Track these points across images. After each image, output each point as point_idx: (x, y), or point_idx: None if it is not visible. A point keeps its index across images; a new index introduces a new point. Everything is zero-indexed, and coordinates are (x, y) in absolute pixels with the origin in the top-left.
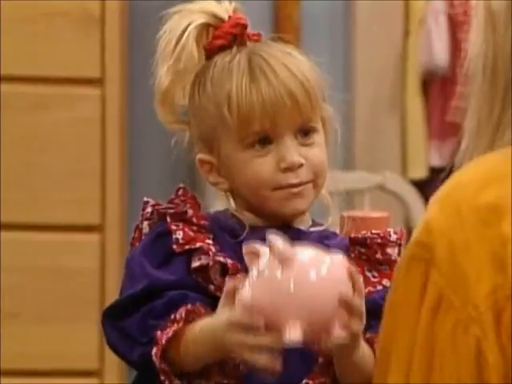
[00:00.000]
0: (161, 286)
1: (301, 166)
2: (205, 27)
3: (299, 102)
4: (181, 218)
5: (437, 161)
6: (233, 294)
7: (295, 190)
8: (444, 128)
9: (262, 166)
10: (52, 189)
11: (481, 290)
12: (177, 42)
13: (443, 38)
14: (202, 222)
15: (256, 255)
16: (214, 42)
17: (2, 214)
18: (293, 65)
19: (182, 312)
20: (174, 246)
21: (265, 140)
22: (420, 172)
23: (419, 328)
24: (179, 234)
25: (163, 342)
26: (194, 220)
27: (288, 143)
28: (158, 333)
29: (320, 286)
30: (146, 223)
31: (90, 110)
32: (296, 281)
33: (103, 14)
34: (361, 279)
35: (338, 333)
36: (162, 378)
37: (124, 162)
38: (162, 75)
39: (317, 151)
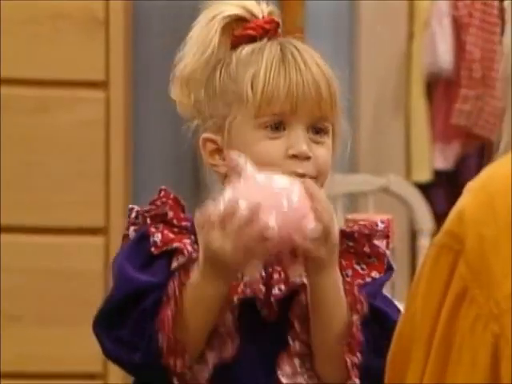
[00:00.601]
0: (143, 288)
1: (308, 158)
2: (236, 19)
3: (322, 96)
4: (161, 219)
5: (441, 164)
6: (203, 221)
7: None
8: (448, 131)
9: (271, 147)
10: (56, 191)
11: (504, 289)
12: (204, 28)
13: (447, 40)
14: (184, 224)
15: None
16: (245, 31)
17: (5, 216)
18: (321, 63)
19: (171, 289)
20: (153, 249)
21: (279, 125)
22: (424, 175)
23: (441, 317)
24: (157, 237)
25: (168, 321)
26: (175, 222)
27: (300, 133)
28: (159, 319)
29: (282, 182)
30: (132, 229)
31: (94, 112)
32: (261, 182)
33: (107, 16)
34: (320, 191)
35: (311, 223)
36: (172, 362)
37: (128, 165)
38: (183, 56)
39: (324, 151)
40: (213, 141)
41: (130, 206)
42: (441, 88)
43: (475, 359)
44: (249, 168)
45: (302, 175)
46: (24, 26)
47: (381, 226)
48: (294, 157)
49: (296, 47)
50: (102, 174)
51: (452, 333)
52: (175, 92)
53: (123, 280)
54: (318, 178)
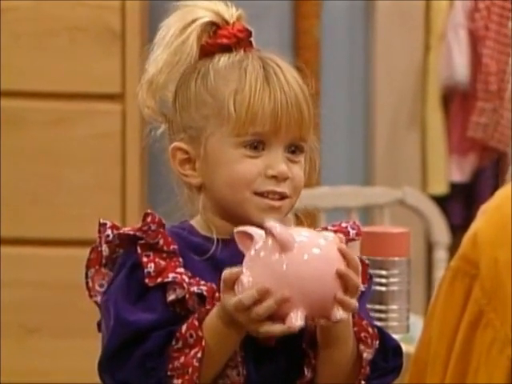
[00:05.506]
0: (143, 330)
1: (286, 178)
2: (209, 25)
3: (304, 116)
4: (151, 247)
5: (457, 176)
6: (231, 282)
7: (277, 203)
8: (464, 143)
9: (250, 166)
10: (73, 204)
11: None
12: (179, 34)
13: (463, 53)
14: (172, 248)
15: (249, 237)
16: (218, 40)
17: (23, 229)
18: (301, 81)
19: (192, 337)
20: (147, 280)
21: (258, 144)
22: (440, 187)
23: (457, 341)
24: (150, 267)
25: (193, 371)
26: (165, 248)
27: (279, 154)
28: (177, 366)
29: (317, 268)
30: (105, 246)
31: (110, 125)
32: (295, 265)
33: (123, 29)
34: (354, 256)
35: (338, 312)
36: None
37: (144, 177)
38: (154, 61)
39: (299, 170)
40: (184, 150)
41: (102, 220)
42: (457, 101)
43: (491, 383)
44: (284, 238)
45: (279, 194)
46: (40, 39)
47: (352, 232)
48: (274, 177)
49: (278, 65)
50: (119, 187)
51: (468, 357)
52: (142, 96)
53: (119, 324)
54: (293, 196)
